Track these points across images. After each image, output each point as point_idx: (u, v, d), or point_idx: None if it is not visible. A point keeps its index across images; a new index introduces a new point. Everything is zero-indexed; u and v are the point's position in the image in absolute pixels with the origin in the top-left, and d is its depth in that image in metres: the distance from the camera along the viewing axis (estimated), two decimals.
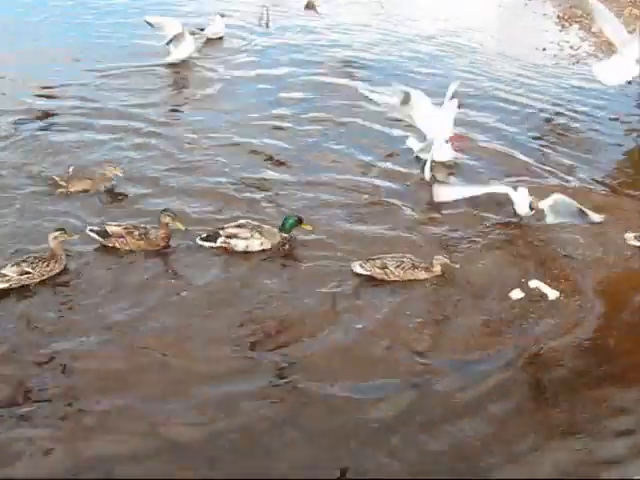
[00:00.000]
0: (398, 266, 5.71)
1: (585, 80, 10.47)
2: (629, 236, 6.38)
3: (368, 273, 5.74)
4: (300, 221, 6.13)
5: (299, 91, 9.50)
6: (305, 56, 10.90)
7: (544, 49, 12.13)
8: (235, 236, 5.99)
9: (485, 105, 9.44)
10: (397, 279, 5.71)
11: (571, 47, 12.31)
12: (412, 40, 12.09)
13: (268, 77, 9.95)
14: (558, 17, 14.07)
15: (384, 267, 5.71)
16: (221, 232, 6.02)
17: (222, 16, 11.52)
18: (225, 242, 5.99)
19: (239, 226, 6.06)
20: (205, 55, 10.87)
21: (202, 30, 11.36)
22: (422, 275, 5.77)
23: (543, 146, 8.44)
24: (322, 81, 9.89)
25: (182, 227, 5.97)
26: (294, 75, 10.04)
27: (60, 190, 6.73)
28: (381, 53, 11.33)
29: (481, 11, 14.29)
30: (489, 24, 13.63)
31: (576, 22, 13.76)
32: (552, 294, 5.68)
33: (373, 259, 5.76)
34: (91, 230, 5.98)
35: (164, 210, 5.98)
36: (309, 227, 6.20)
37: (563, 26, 13.58)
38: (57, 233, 5.61)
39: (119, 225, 5.98)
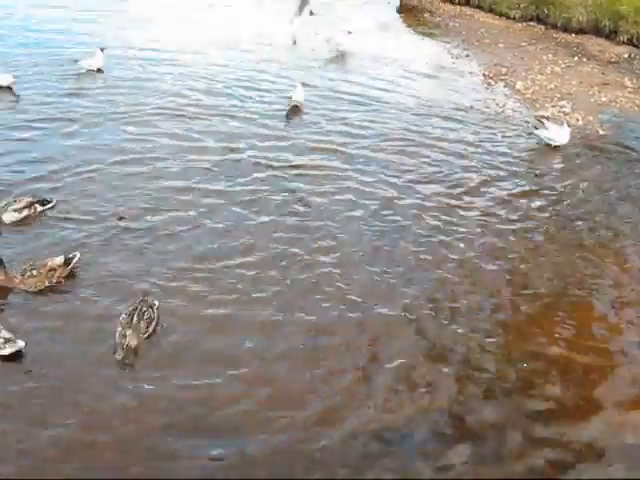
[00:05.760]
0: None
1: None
2: None
3: None
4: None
5: None
6: None
7: (471, 107, 12.44)
8: None
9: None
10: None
11: (497, 104, 12.68)
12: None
13: None
14: (484, 75, 14.50)
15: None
16: None
17: (102, 50, 11.92)
18: None
19: None
20: None
21: (76, 62, 11.70)
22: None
23: None
24: None
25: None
26: None
27: None
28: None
29: (408, 72, 14.45)
30: (419, 84, 13.84)
31: (501, 80, 14.22)
32: None
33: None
34: None
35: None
36: None
37: (489, 84, 14.00)
38: None
39: None
